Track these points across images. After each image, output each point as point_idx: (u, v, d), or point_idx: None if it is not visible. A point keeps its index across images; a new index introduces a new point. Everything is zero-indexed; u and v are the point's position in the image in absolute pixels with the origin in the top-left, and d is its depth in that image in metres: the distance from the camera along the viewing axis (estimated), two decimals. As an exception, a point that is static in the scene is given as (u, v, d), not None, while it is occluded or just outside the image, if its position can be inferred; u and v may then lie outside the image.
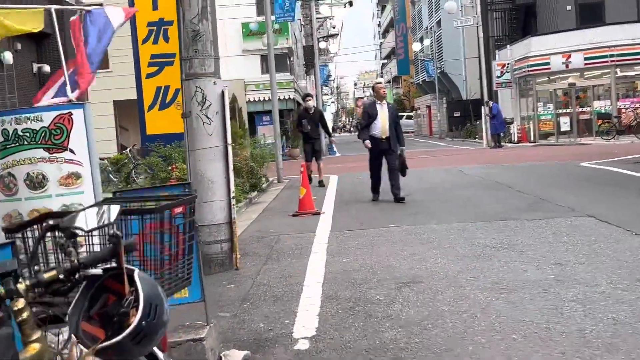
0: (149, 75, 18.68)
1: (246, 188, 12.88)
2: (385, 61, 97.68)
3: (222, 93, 6.81)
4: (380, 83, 12.61)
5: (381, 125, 11.28)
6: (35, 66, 14.23)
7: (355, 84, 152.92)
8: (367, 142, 11.34)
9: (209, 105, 6.73)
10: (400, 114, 30.76)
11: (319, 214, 10.68)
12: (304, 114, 15.17)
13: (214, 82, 6.77)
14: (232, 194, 6.82)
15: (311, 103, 15.13)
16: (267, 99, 32.16)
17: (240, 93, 32.37)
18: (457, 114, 49.08)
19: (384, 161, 11.50)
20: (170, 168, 11.58)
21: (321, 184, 14.92)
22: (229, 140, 6.80)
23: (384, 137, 11.28)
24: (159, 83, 18.76)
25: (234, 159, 13.53)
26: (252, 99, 33.82)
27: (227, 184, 6.83)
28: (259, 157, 14.81)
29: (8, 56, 12.19)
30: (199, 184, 6.73)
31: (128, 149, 19.80)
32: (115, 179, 17.26)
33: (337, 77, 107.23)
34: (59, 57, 14.66)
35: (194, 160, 6.76)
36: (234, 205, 6.82)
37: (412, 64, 67.64)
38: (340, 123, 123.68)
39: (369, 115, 11.33)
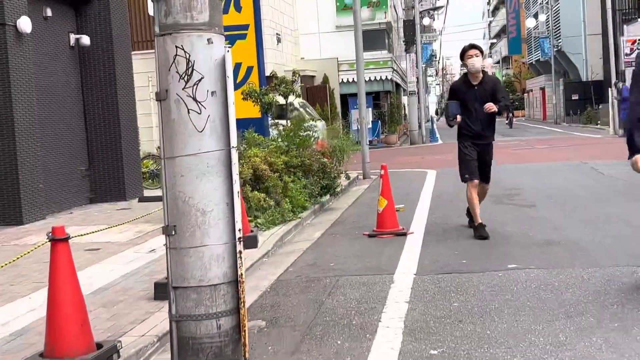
0: (217, 51, 16.10)
1: (315, 191, 10.02)
2: (494, 40, 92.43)
3: (224, 60, 3.94)
4: None
5: None
6: (72, 37, 11.87)
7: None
8: None
9: (200, 81, 3.88)
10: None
11: (404, 234, 7.70)
12: (461, 87, 7.64)
13: (209, 41, 3.91)
14: (240, 233, 3.96)
15: (477, 63, 7.43)
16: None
17: (333, 73, 29.68)
18: (575, 97, 44.39)
19: None
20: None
21: (479, 230, 7.34)
22: (234, 141, 3.93)
23: None
24: (229, 60, 16.20)
25: (303, 152, 10.74)
26: (345, 80, 30.87)
27: (231, 214, 3.97)
28: (337, 149, 11.90)
29: (24, 23, 9.77)
30: (181, 217, 3.92)
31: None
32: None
33: (443, 57, 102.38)
34: (103, 26, 12.31)
35: (172, 176, 3.94)
36: (241, 252, 3.96)
37: (525, 42, 62.80)
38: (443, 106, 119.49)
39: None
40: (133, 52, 13.95)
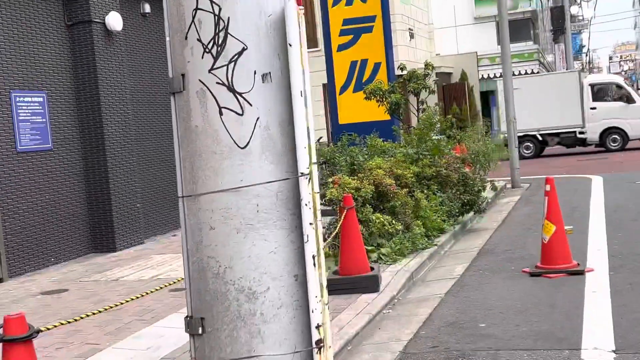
0: (341, 47, 14.47)
1: (454, 209, 8.06)
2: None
3: (283, 15, 2.16)
4: None
5: None
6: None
7: (611, 58, 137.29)
8: None
9: (240, 54, 2.13)
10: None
11: (581, 272, 5.61)
12: None
13: (255, -20, 2.16)
14: (318, 334, 2.17)
15: None
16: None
17: (471, 69, 27.28)
18: None
19: None
20: (331, 181, 7.06)
21: None
22: (305, 164, 2.15)
23: None
24: (353, 56, 14.49)
25: (438, 160, 8.74)
26: (485, 76, 28.38)
27: (304, 298, 2.19)
28: (481, 155, 9.85)
29: (114, 19, 8.56)
30: (213, 303, 2.19)
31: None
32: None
33: (590, 50, 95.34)
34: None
35: (195, 228, 2.23)
36: (322, 366, 2.17)
37: (686, 27, 56.77)
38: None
39: None
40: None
